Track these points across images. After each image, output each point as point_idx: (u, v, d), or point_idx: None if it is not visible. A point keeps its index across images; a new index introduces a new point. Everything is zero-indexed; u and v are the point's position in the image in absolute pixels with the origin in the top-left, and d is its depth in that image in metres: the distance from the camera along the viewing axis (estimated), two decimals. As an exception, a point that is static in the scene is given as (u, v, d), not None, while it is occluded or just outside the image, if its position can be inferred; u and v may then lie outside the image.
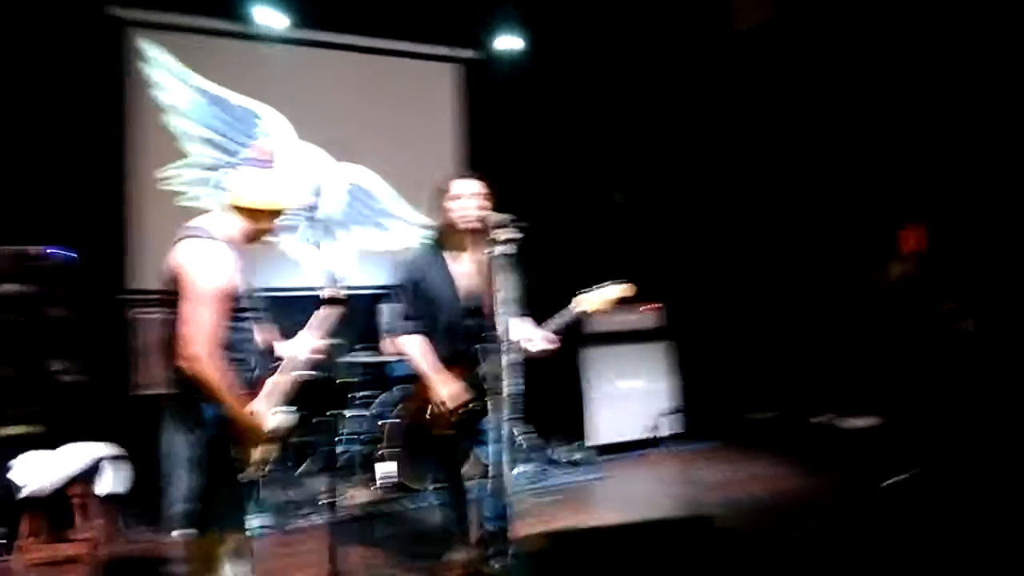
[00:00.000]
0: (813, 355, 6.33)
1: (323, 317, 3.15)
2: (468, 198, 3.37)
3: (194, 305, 2.55)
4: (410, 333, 3.47)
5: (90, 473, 3.94)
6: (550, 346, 3.40)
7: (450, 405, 3.35)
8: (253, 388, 2.79)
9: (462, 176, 3.47)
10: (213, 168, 5.97)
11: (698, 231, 7.20)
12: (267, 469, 2.83)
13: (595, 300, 3.53)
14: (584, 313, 3.56)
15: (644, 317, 6.34)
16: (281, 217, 2.86)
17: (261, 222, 2.80)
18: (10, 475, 3.75)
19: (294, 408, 2.97)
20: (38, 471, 3.79)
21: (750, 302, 6.84)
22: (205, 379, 2.55)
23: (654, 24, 6.92)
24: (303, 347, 3.05)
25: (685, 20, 6.90)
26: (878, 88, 5.95)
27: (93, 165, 5.45)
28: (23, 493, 3.70)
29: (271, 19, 5.74)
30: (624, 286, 3.58)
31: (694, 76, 7.12)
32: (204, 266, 2.59)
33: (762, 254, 6.84)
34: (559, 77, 7.04)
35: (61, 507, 3.94)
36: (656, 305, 6.41)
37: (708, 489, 5.00)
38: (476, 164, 3.74)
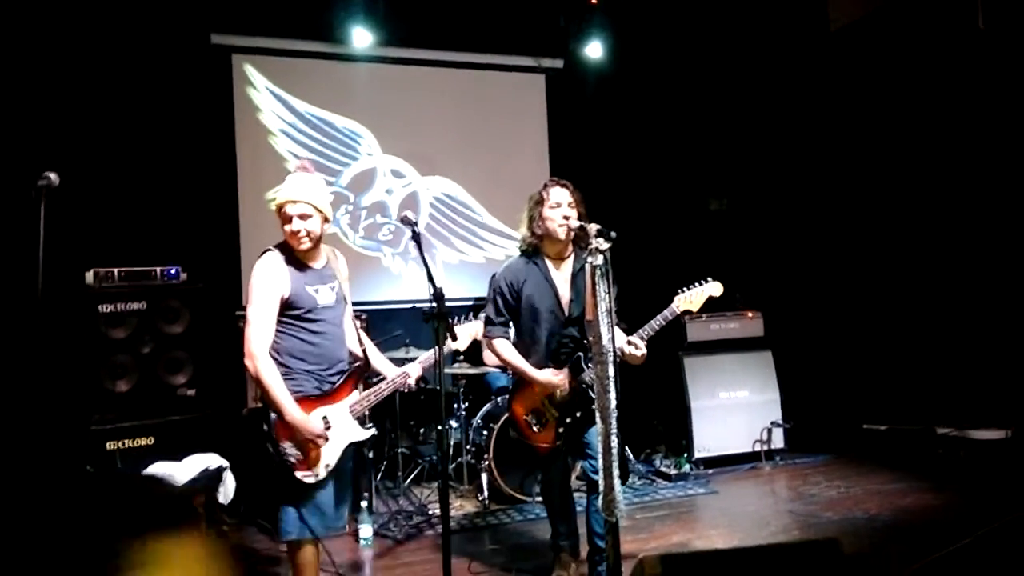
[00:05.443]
0: (932, 361, 5.98)
1: (428, 355, 3.34)
2: (566, 207, 3.36)
3: (250, 308, 2.91)
4: (504, 337, 3.47)
5: (212, 482, 4.11)
6: (642, 351, 3.32)
7: (557, 388, 3.36)
8: (324, 396, 3.02)
9: (558, 184, 3.44)
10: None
11: (800, 233, 6.95)
12: (328, 472, 2.99)
13: (696, 298, 3.46)
14: (686, 312, 3.49)
15: (746, 324, 6.15)
16: (301, 218, 2.97)
17: (283, 222, 2.99)
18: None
19: (372, 425, 3.19)
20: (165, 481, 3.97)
21: (860, 306, 6.53)
22: (258, 375, 2.83)
23: (746, 24, 6.75)
24: (402, 373, 3.25)
25: (778, 19, 6.69)
26: (984, 82, 5.59)
27: (207, 187, 5.74)
28: (152, 502, 3.89)
29: (361, 39, 5.90)
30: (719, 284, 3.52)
31: (789, 76, 6.89)
32: (258, 274, 2.93)
33: (873, 254, 6.51)
34: (647, 82, 6.96)
35: (186, 515, 4.11)
36: (757, 312, 6.20)
37: (822, 506, 4.78)
38: (564, 173, 3.71)
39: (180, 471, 4.01)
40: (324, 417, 2.99)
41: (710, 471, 5.69)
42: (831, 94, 6.72)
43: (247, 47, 6.02)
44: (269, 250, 3.02)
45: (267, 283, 2.92)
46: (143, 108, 5.50)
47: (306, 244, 3.00)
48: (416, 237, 2.97)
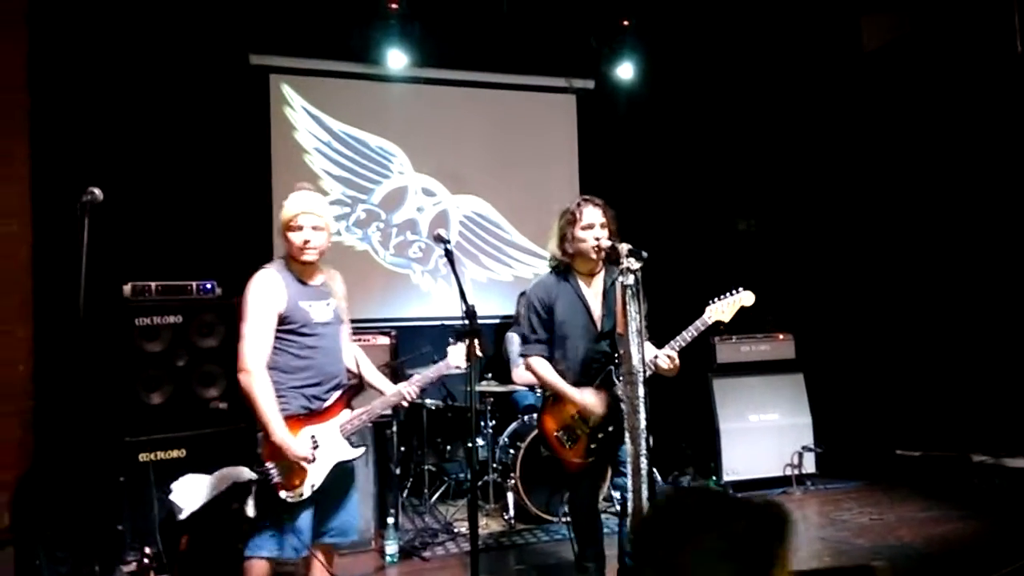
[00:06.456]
0: (968, 387, 5.86)
1: (428, 374, 3.28)
2: (599, 227, 3.37)
3: (243, 324, 2.88)
4: (543, 356, 3.47)
5: (241, 495, 4.14)
6: (674, 364, 3.30)
7: (596, 412, 3.31)
8: (313, 414, 2.98)
9: (591, 203, 3.44)
10: (351, 206, 6.27)
11: (832, 255, 6.87)
12: (312, 492, 2.95)
13: (728, 308, 3.44)
14: (718, 323, 3.47)
15: (777, 347, 6.08)
16: (310, 232, 3.00)
17: (291, 232, 2.98)
18: (172, 497, 4.00)
19: (362, 446, 3.15)
20: (196, 493, 4.01)
21: (894, 329, 6.43)
22: (250, 390, 2.81)
23: (778, 45, 6.74)
24: (396, 393, 3.19)
25: (811, 39, 6.67)
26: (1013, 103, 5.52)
27: (243, 205, 5.83)
28: (183, 515, 3.92)
29: (396, 60, 6.00)
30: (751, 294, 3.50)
31: (821, 96, 6.84)
32: (253, 289, 2.91)
33: (907, 278, 6.42)
34: (677, 102, 6.96)
35: (216, 528, 4.14)
36: (788, 334, 6.14)
37: (854, 533, 4.70)
38: (593, 193, 3.71)
39: (196, 493, 4.02)
40: (312, 436, 2.96)
41: (740, 494, 5.61)
42: (863, 115, 6.66)
43: (285, 67, 6.15)
44: (264, 266, 3.03)
45: (263, 298, 2.91)
46: (183, 126, 5.62)
47: (311, 256, 3.02)
48: (449, 255, 3.00)
